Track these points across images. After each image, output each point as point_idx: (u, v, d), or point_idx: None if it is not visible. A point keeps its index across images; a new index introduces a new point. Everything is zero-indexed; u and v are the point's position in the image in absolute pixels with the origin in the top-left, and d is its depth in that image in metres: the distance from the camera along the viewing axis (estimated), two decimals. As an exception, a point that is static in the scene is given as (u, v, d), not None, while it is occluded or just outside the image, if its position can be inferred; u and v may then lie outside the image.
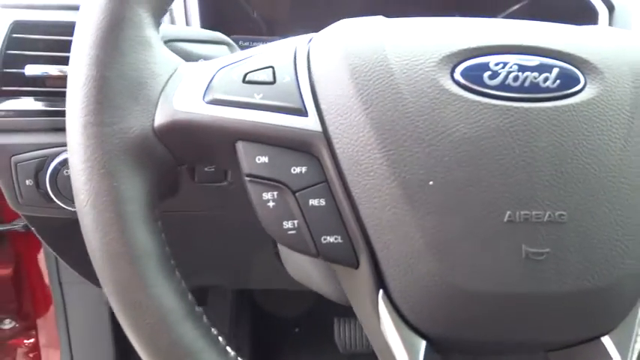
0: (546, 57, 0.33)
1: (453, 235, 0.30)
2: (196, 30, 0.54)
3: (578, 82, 0.32)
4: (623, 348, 0.32)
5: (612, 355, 0.32)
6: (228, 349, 0.35)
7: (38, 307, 1.10)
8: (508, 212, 0.30)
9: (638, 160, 0.32)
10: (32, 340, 1.20)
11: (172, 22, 0.60)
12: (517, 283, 0.30)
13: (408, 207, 0.30)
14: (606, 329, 0.33)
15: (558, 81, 0.32)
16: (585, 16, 0.70)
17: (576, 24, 0.37)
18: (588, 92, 0.32)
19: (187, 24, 0.60)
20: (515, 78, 0.32)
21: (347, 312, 1.21)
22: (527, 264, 0.30)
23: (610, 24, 0.70)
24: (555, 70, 0.32)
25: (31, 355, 1.23)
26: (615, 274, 0.31)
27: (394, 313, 0.32)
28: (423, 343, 0.32)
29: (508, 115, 0.31)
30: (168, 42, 0.44)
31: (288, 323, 1.39)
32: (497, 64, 0.32)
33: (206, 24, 0.59)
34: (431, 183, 0.30)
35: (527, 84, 0.32)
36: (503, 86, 0.32)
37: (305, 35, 0.36)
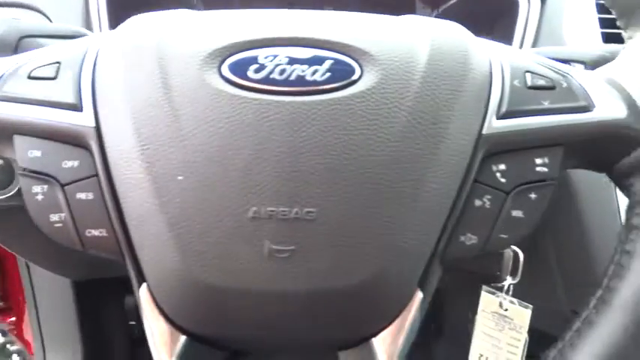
0: (322, 49, 0.32)
1: (199, 230, 0.30)
2: (55, 25, 0.55)
3: (352, 74, 0.31)
4: (391, 350, 0.32)
5: (379, 358, 0.31)
6: None
7: (12, 287, 1.15)
8: (253, 208, 0.30)
9: (407, 153, 0.31)
10: (14, 319, 1.26)
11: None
12: (261, 280, 0.30)
13: (157, 201, 0.30)
14: (374, 330, 0.32)
15: (328, 74, 0.31)
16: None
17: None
18: (363, 84, 0.31)
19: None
20: (282, 71, 0.31)
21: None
22: (270, 261, 0.30)
23: (541, 14, 0.67)
24: (328, 63, 0.32)
25: (14, 332, 1.29)
26: (368, 273, 0.30)
27: (154, 307, 0.32)
28: (182, 338, 0.32)
29: (267, 109, 0.31)
30: (24, 37, 0.45)
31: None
32: (266, 57, 0.32)
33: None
34: (180, 178, 0.30)
35: (292, 77, 0.31)
36: (267, 80, 0.31)
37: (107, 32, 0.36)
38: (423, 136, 0.31)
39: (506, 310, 0.51)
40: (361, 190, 0.30)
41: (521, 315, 0.50)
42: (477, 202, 0.33)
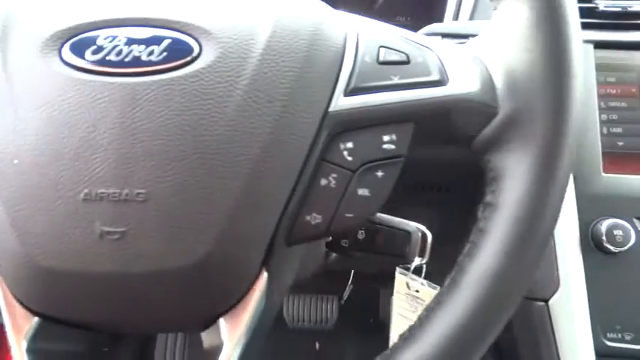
0: (162, 28, 0.32)
1: (35, 213, 0.30)
2: None
3: (190, 53, 0.31)
4: (236, 329, 0.31)
5: (223, 338, 0.31)
6: None
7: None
8: (85, 190, 0.30)
9: (241, 132, 0.30)
10: None
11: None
12: (94, 262, 0.30)
13: None
14: (220, 310, 0.32)
15: (165, 53, 0.31)
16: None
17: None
18: (199, 63, 0.31)
19: None
20: (119, 52, 0.31)
21: (295, 288, 1.23)
22: (102, 243, 0.30)
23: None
24: (166, 42, 0.31)
25: None
26: (201, 254, 0.30)
27: (6, 288, 0.32)
28: (34, 320, 0.32)
29: (101, 91, 0.31)
30: None
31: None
32: (105, 39, 0.31)
33: None
34: (15, 162, 0.30)
35: (128, 58, 0.31)
36: (102, 61, 0.31)
37: None
38: (258, 115, 0.31)
39: (417, 291, 0.50)
40: (193, 171, 0.30)
41: (431, 296, 0.50)
42: (323, 181, 0.32)
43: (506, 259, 0.31)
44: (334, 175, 0.32)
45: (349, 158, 0.32)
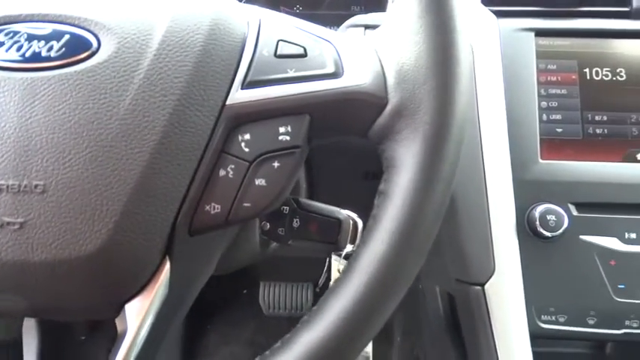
0: (62, 23, 0.32)
1: None
2: None
3: (88, 48, 0.32)
4: (141, 316, 0.33)
5: (126, 325, 0.33)
6: None
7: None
8: None
9: (136, 126, 0.31)
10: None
11: None
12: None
13: None
14: (124, 298, 0.33)
15: (63, 49, 0.32)
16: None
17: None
18: (97, 58, 0.32)
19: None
20: (19, 48, 0.32)
21: (272, 276, 1.25)
22: (3, 233, 0.31)
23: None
24: (65, 38, 0.32)
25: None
26: (98, 244, 0.31)
27: None
28: None
29: (1, 85, 0.31)
30: None
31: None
32: (7, 34, 0.32)
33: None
34: None
35: (28, 54, 0.32)
36: (3, 57, 0.32)
37: None
38: (153, 108, 0.32)
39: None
40: (89, 164, 0.31)
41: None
42: (222, 172, 0.33)
43: (393, 246, 0.32)
44: (232, 166, 0.33)
45: (246, 149, 0.33)
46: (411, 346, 1.26)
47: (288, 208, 0.52)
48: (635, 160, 0.58)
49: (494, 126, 0.58)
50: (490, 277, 0.56)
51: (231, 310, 1.45)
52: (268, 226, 0.54)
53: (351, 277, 0.32)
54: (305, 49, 0.34)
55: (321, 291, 1.11)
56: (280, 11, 0.81)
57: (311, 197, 0.78)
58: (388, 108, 0.33)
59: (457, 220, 0.59)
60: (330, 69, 0.34)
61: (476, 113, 0.59)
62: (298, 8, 0.79)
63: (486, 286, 0.57)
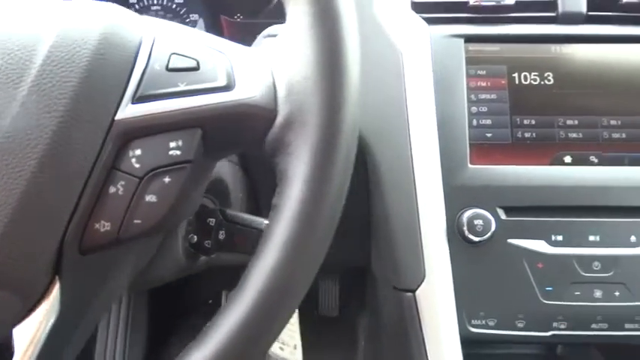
0: None
1: None
2: None
3: None
4: (32, 335, 0.32)
5: (22, 344, 0.32)
6: None
7: None
8: None
9: (18, 144, 0.30)
10: None
11: None
12: None
13: None
14: (16, 320, 0.32)
15: None
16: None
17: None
18: None
19: None
20: None
21: (235, 284, 1.23)
22: None
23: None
24: None
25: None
26: None
27: None
28: None
29: None
30: None
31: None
32: None
33: None
34: None
35: None
36: None
37: None
38: (36, 126, 0.31)
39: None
40: None
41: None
42: (112, 189, 0.33)
43: (282, 260, 0.32)
44: (122, 183, 0.33)
45: (137, 165, 0.33)
46: (374, 351, 1.27)
47: (214, 220, 0.52)
48: (563, 163, 0.59)
49: (424, 132, 0.59)
50: (421, 283, 0.57)
51: (195, 321, 1.44)
52: (195, 239, 0.53)
53: (243, 290, 0.32)
54: (198, 62, 0.34)
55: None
56: (221, 20, 0.80)
57: (254, 208, 0.77)
58: (278, 120, 0.33)
59: (389, 227, 0.59)
60: (221, 82, 0.33)
61: (405, 119, 0.59)
62: (239, 17, 0.79)
63: (417, 293, 0.57)
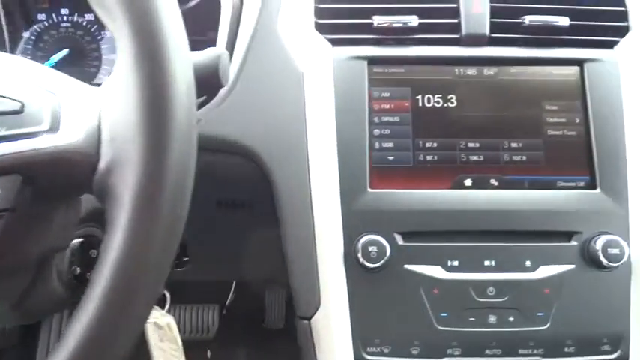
0: None
1: None
2: None
3: None
4: None
5: None
6: None
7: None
8: None
9: None
10: None
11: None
12: None
13: None
14: None
15: None
16: None
17: None
18: None
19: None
20: None
21: (177, 299, 1.19)
22: None
23: (260, 14, 0.65)
24: None
25: None
26: None
27: None
28: None
29: None
30: None
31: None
32: None
33: None
34: None
35: None
36: None
37: None
38: None
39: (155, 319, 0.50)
40: None
41: (169, 326, 0.50)
42: None
43: (102, 311, 0.31)
44: None
45: None
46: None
47: (96, 251, 0.50)
48: (463, 187, 0.59)
49: (323, 155, 0.58)
50: (316, 310, 0.56)
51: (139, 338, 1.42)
52: (78, 271, 0.52)
53: (66, 339, 0.31)
54: (23, 105, 0.32)
55: (231, 311, 1.09)
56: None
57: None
58: (100, 166, 0.32)
59: (287, 255, 0.58)
60: (45, 125, 0.32)
61: (304, 142, 0.58)
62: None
63: (312, 320, 0.56)
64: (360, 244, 0.55)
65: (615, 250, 0.55)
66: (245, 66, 0.61)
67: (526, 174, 0.60)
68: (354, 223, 0.57)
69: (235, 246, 0.81)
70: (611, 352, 0.56)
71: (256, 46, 0.62)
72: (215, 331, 1.31)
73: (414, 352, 0.56)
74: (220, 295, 1.35)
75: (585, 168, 0.60)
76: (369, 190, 0.58)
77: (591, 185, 0.59)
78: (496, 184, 0.59)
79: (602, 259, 0.55)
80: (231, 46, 0.63)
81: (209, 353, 1.41)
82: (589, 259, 0.56)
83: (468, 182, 0.59)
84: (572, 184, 0.59)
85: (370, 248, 0.55)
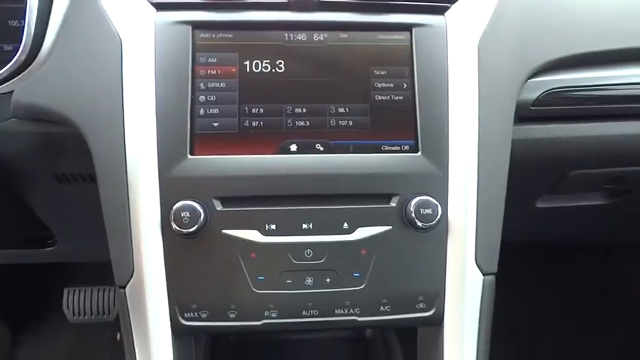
0: None
1: None
2: None
3: None
4: None
5: None
6: None
7: None
8: None
9: None
10: None
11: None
12: None
13: None
14: None
15: None
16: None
17: None
18: None
19: None
20: None
21: (76, 280, 1.17)
22: None
23: None
24: None
25: None
26: None
27: None
28: None
29: None
30: None
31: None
32: None
33: None
34: None
35: None
36: None
37: None
38: None
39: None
40: None
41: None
42: None
43: None
44: None
45: None
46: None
47: None
48: (289, 152, 0.59)
49: (140, 122, 0.57)
50: (130, 278, 0.55)
51: (43, 322, 1.38)
52: None
53: None
54: None
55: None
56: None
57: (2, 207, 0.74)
58: None
59: (105, 223, 0.57)
60: None
61: (120, 110, 0.57)
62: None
63: (127, 289, 0.56)
64: (173, 211, 0.54)
65: (428, 211, 0.57)
66: (62, 32, 0.59)
67: (352, 138, 0.60)
68: (173, 189, 0.56)
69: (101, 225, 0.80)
70: (426, 310, 0.58)
71: (74, 12, 0.60)
72: (116, 313, 1.29)
73: (232, 315, 0.56)
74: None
75: (410, 132, 0.60)
76: (190, 156, 0.57)
77: (415, 149, 0.60)
78: (321, 148, 0.60)
79: (415, 218, 0.56)
80: (47, 13, 0.61)
81: (119, 336, 1.40)
82: (406, 220, 0.57)
83: (294, 147, 0.59)
84: (397, 148, 0.60)
85: (183, 214, 0.54)
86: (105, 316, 1.28)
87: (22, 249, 0.90)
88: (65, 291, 1.28)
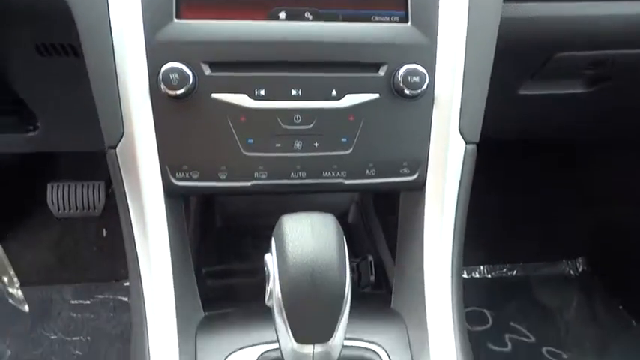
0: None
1: None
2: None
3: None
4: None
5: None
6: None
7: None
8: None
9: None
10: None
11: None
12: None
13: None
14: None
15: None
16: None
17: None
18: None
19: None
20: None
21: (60, 176, 1.17)
22: None
23: None
24: None
25: None
26: None
27: None
28: None
29: None
30: None
31: None
32: None
33: None
34: None
35: None
36: None
37: None
38: None
39: None
40: None
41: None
42: None
43: None
44: None
45: None
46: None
47: None
48: (277, 19, 0.58)
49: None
50: (120, 138, 0.56)
51: (29, 216, 1.40)
52: None
53: None
54: None
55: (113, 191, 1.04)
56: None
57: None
58: None
59: (92, 90, 0.57)
60: None
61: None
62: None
63: (118, 149, 0.56)
64: (161, 72, 0.54)
65: (416, 78, 0.58)
66: None
67: (341, 7, 0.59)
68: (160, 53, 0.55)
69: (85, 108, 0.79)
70: (410, 175, 0.61)
71: None
72: (102, 208, 1.31)
73: (222, 176, 0.58)
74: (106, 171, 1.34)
75: (401, 3, 0.60)
76: (176, 20, 0.56)
77: (404, 20, 0.60)
78: (310, 17, 0.59)
79: (402, 86, 0.57)
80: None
81: (105, 232, 1.42)
82: (394, 88, 0.58)
83: (282, 15, 0.58)
84: (387, 19, 0.60)
85: (171, 76, 0.54)
86: (90, 210, 1.30)
87: (3, 133, 0.90)
88: (49, 186, 1.29)
